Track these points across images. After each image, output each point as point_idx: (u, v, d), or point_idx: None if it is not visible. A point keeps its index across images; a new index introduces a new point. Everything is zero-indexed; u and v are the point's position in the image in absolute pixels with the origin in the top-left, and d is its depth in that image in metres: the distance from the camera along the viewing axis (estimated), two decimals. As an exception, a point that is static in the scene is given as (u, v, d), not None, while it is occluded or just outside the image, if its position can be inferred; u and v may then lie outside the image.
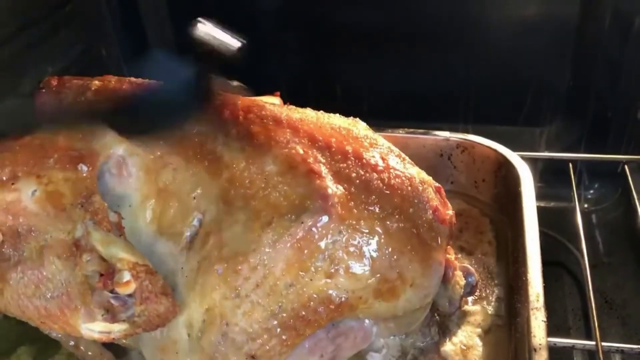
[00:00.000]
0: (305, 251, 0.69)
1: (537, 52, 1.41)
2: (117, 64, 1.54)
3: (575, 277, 1.24)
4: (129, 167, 0.77)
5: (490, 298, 0.91)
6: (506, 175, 1.01)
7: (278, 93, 1.02)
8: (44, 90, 0.84)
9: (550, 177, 1.36)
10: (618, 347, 0.83)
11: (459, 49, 1.46)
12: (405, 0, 1.45)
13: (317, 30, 1.54)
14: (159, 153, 0.77)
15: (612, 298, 1.29)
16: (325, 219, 0.70)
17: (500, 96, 1.49)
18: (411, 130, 1.08)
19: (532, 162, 1.20)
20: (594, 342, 0.81)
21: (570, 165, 1.13)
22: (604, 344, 0.81)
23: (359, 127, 0.83)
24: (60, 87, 0.84)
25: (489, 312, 0.88)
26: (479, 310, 0.89)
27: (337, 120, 0.84)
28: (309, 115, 0.82)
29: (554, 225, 1.38)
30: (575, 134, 1.49)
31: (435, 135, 1.08)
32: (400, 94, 1.52)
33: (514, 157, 1.00)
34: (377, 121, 1.11)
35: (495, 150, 1.03)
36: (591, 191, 1.51)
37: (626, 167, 1.13)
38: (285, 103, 0.91)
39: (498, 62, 1.44)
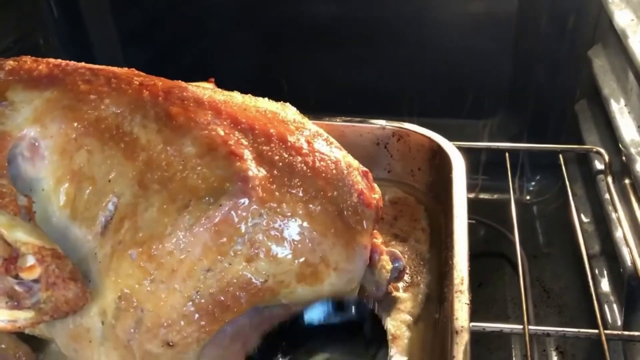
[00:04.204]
0: (224, 235, 0.67)
1: (479, 48, 1.44)
2: (55, 53, 1.50)
3: (516, 267, 1.25)
4: (42, 150, 0.74)
5: (421, 285, 0.90)
6: (440, 163, 1.01)
7: (212, 79, 1.00)
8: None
9: (493, 169, 1.37)
10: (545, 330, 0.83)
11: (404, 45, 1.47)
12: (350, -3, 1.46)
13: (263, 25, 1.53)
14: (73, 135, 0.73)
15: (550, 287, 1.31)
16: (245, 201, 0.68)
17: (445, 90, 1.50)
18: (348, 119, 1.07)
19: (474, 154, 1.21)
20: (521, 326, 0.82)
21: (507, 155, 1.14)
22: (531, 327, 0.82)
23: (287, 111, 0.82)
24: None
25: (419, 299, 0.88)
26: (409, 297, 0.88)
27: (264, 103, 0.82)
28: (234, 98, 0.80)
29: (496, 216, 1.40)
30: (517, 127, 1.52)
31: (371, 123, 1.07)
32: (346, 88, 1.52)
33: (448, 145, 1.00)
34: (323, 114, 1.11)
35: (429, 138, 1.03)
36: (532, 183, 1.54)
37: (561, 156, 1.15)
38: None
39: (442, 58, 1.45)
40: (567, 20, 1.33)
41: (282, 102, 0.86)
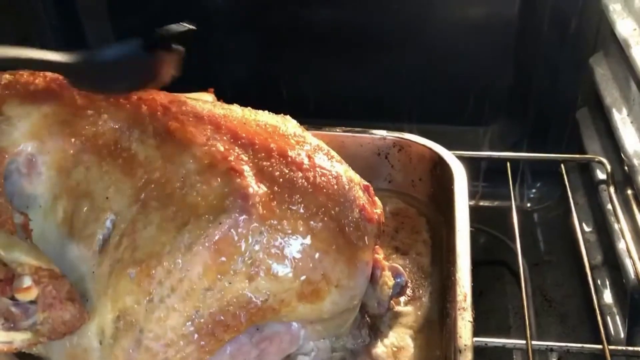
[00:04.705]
0: (224, 253, 0.66)
1: (479, 53, 1.43)
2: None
3: (517, 276, 1.24)
4: (39, 166, 0.73)
5: (424, 299, 0.89)
6: (441, 173, 1.00)
7: (212, 90, 0.98)
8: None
9: (493, 176, 1.37)
10: (548, 345, 0.82)
11: (403, 50, 1.46)
12: (350, 1, 1.45)
13: (262, 32, 1.51)
14: (71, 151, 0.72)
15: (551, 296, 1.30)
16: (245, 219, 0.67)
17: (445, 97, 1.49)
18: (348, 129, 1.06)
19: (475, 162, 1.20)
20: (524, 341, 0.81)
21: (508, 164, 1.13)
22: (534, 342, 0.81)
23: (287, 124, 0.81)
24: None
25: (421, 313, 0.87)
26: (411, 310, 0.87)
27: (264, 117, 0.81)
28: (234, 112, 0.79)
29: (497, 224, 1.39)
30: (517, 134, 1.51)
31: (372, 134, 1.06)
32: (346, 94, 1.51)
33: (449, 156, 0.99)
34: (322, 120, 1.10)
35: (430, 149, 1.02)
36: (533, 190, 1.53)
37: (562, 165, 1.14)
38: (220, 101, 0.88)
39: (443, 64, 1.44)
40: (568, 27, 1.31)
41: (282, 114, 0.85)
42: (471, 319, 0.73)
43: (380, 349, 0.82)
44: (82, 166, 0.72)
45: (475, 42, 1.41)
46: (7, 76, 0.79)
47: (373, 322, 0.84)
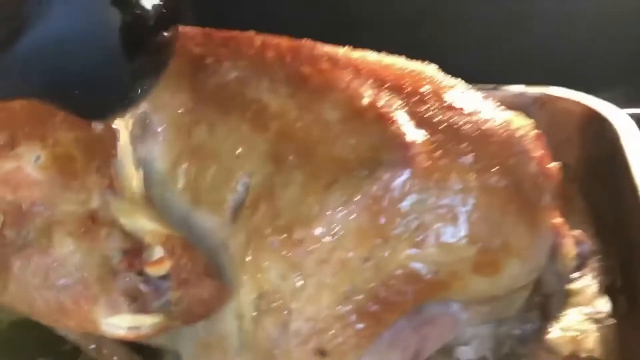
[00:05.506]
0: (383, 215, 0.54)
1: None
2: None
3: None
4: (155, 125, 0.62)
5: (596, 273, 0.74)
6: (597, 131, 0.85)
7: None
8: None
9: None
10: None
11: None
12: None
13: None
14: (190, 106, 0.62)
15: None
16: (406, 173, 0.55)
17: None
18: (478, 85, 0.92)
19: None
20: None
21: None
22: None
23: (432, 70, 0.68)
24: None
25: (595, 290, 0.72)
26: (586, 287, 0.72)
27: (403, 62, 0.68)
28: (370, 56, 0.67)
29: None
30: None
31: (505, 90, 0.92)
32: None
33: (608, 109, 0.83)
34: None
35: (581, 103, 0.87)
36: None
37: None
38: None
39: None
40: None
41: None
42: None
43: (555, 334, 0.68)
44: (205, 123, 0.61)
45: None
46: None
47: (544, 302, 0.70)
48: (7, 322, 0.75)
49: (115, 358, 0.67)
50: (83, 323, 0.56)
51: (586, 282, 0.74)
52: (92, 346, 0.66)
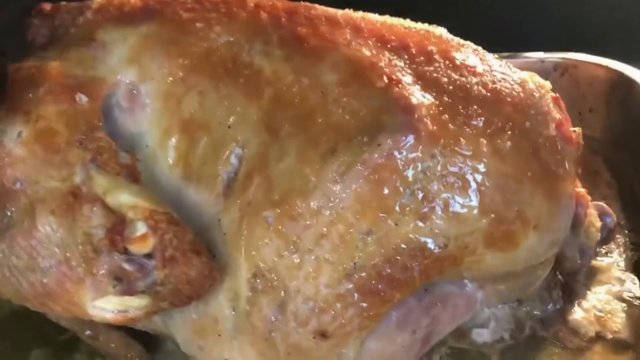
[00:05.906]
0: (386, 185, 0.50)
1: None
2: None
3: None
4: (142, 97, 0.58)
5: (622, 249, 0.69)
6: (624, 99, 0.79)
7: None
8: (35, 21, 0.67)
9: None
10: None
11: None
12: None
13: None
14: (180, 74, 0.58)
15: None
16: (410, 138, 0.50)
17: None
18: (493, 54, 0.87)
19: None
20: None
21: None
22: None
23: (440, 30, 0.63)
24: (54, 12, 0.66)
25: (622, 266, 0.66)
26: (611, 264, 0.67)
27: (409, 22, 0.63)
28: (373, 16, 0.62)
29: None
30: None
31: (525, 57, 0.86)
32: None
33: (637, 73, 0.77)
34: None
35: (606, 68, 0.80)
36: None
37: None
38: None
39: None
40: None
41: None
42: None
43: (579, 314, 0.63)
44: (195, 92, 0.57)
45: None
46: (98, 0, 0.66)
47: (566, 280, 0.65)
48: (8, 309, 0.73)
49: (112, 345, 0.64)
50: (69, 306, 0.53)
51: (612, 259, 0.68)
52: (88, 332, 0.63)
